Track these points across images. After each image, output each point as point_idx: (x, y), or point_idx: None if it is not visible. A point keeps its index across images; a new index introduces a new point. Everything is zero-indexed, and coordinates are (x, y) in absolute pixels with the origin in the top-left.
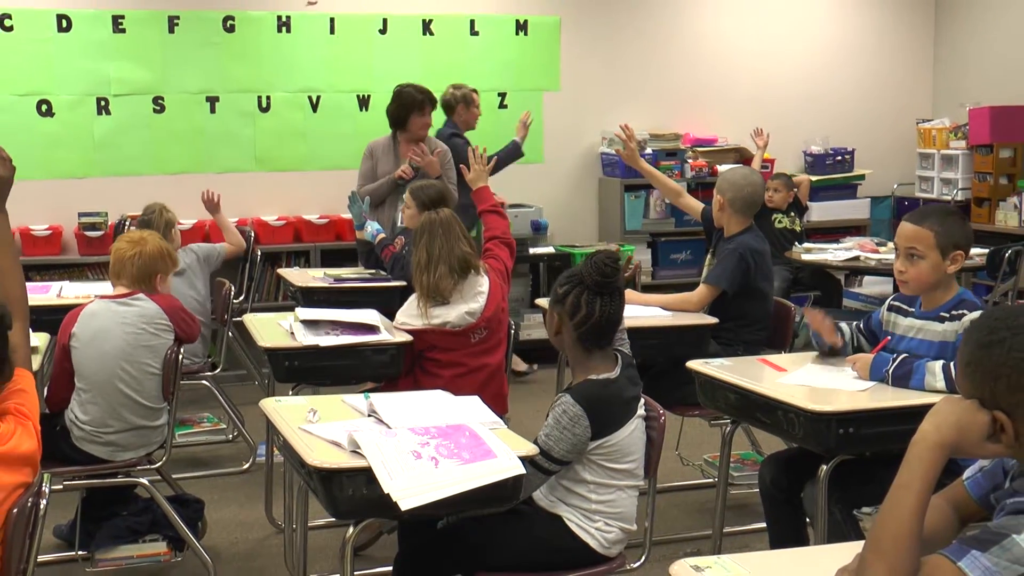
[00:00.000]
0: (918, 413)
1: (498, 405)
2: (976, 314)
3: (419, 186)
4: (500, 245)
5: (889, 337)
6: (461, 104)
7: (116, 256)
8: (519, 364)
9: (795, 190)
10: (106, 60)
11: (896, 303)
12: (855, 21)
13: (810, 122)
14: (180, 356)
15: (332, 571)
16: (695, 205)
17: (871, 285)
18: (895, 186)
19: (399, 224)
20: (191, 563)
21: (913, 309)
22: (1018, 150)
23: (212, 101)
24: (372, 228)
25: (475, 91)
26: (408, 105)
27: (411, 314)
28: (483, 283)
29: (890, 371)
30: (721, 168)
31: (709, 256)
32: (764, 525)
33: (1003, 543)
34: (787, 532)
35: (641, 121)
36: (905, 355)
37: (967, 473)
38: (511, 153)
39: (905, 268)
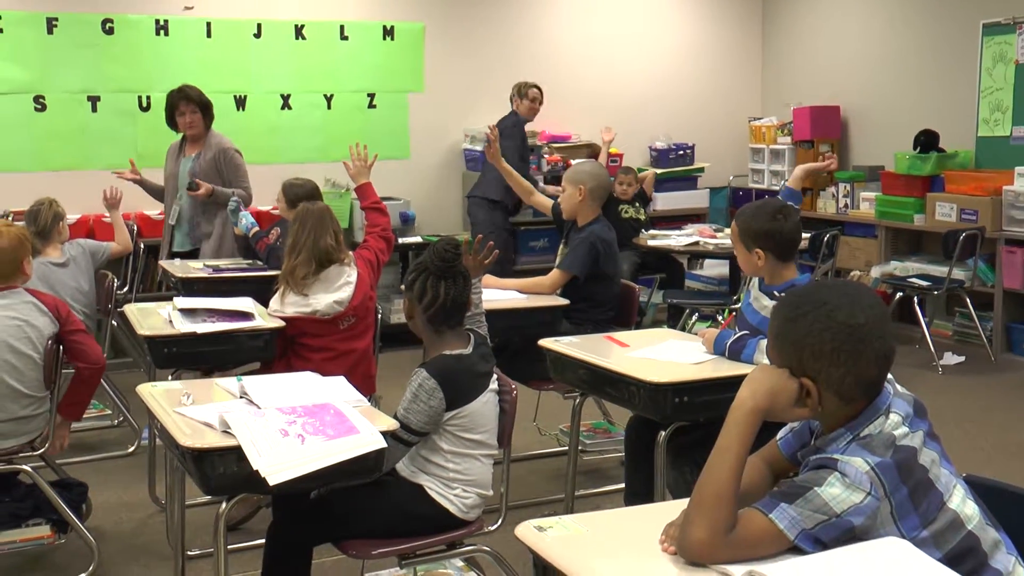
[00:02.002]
0: (741, 383)
1: (366, 386)
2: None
3: (289, 183)
4: (377, 238)
5: (734, 314)
6: (516, 96)
7: None
8: None
9: (641, 183)
10: None
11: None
12: (693, 27)
13: (654, 119)
14: (60, 347)
15: (211, 545)
16: (545, 202)
17: (711, 267)
18: (731, 178)
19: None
20: (75, 544)
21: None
22: (834, 145)
23: (93, 100)
24: (246, 221)
25: (534, 86)
26: (168, 108)
27: (277, 301)
28: (351, 273)
29: (727, 345)
30: (575, 162)
31: (562, 245)
32: (617, 487)
33: (806, 495)
34: (641, 488)
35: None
36: (744, 332)
37: (780, 434)
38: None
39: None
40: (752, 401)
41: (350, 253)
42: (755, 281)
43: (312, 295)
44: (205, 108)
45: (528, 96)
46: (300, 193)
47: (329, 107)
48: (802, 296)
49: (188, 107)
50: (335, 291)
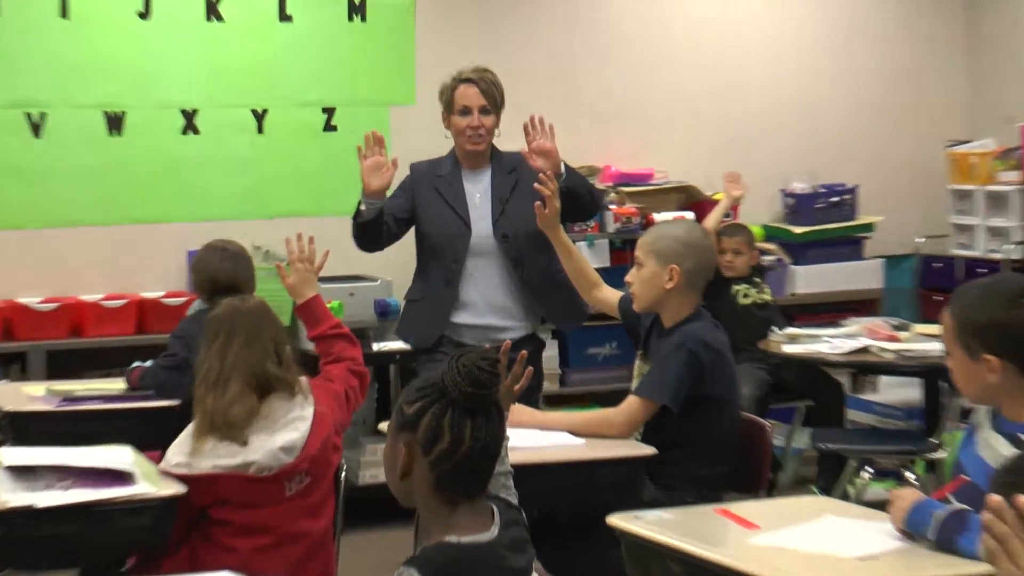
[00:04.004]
0: None
1: None
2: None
3: (206, 254)
4: (346, 372)
5: (966, 479)
6: None
7: None
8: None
9: (757, 250)
10: None
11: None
12: (850, 7)
13: (790, 148)
14: None
15: None
16: (611, 299)
17: (891, 389)
18: (920, 240)
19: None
20: None
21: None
22: None
23: None
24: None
25: None
26: None
27: (187, 451)
28: (304, 407)
29: (935, 522)
30: (659, 217)
31: (639, 355)
32: None
33: None
34: None
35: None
36: (964, 508)
37: None
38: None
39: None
40: None
41: (302, 379)
42: (982, 412)
43: (247, 437)
44: None
45: None
46: (222, 274)
47: (260, 130)
48: None
49: None
50: (281, 431)
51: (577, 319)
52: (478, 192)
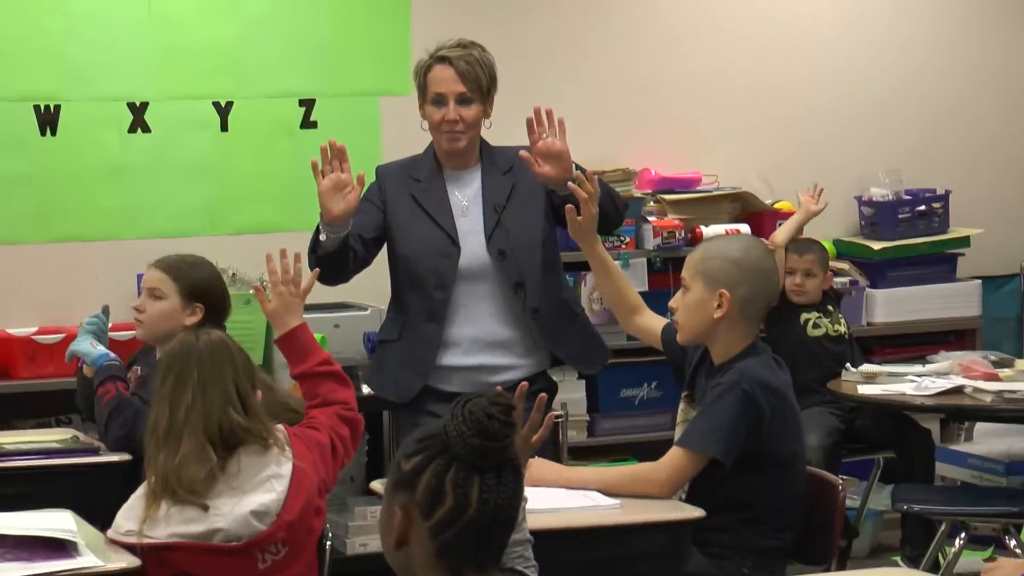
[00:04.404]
0: None
1: None
2: None
3: (183, 262)
4: (335, 419)
5: None
6: None
7: None
8: None
9: (830, 272)
10: None
11: None
12: None
13: (869, 147)
14: None
15: None
16: (654, 326)
17: (989, 439)
18: None
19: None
20: None
21: None
22: None
23: None
24: (93, 351)
25: None
26: None
27: (138, 516)
28: (281, 462)
29: None
30: (709, 231)
31: (684, 397)
32: None
33: None
34: None
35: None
36: None
37: None
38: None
39: None
40: None
41: (278, 428)
42: None
43: (210, 501)
44: None
45: None
46: (202, 280)
47: (224, 127)
48: None
49: None
50: (251, 492)
51: (598, 360)
52: (465, 199)
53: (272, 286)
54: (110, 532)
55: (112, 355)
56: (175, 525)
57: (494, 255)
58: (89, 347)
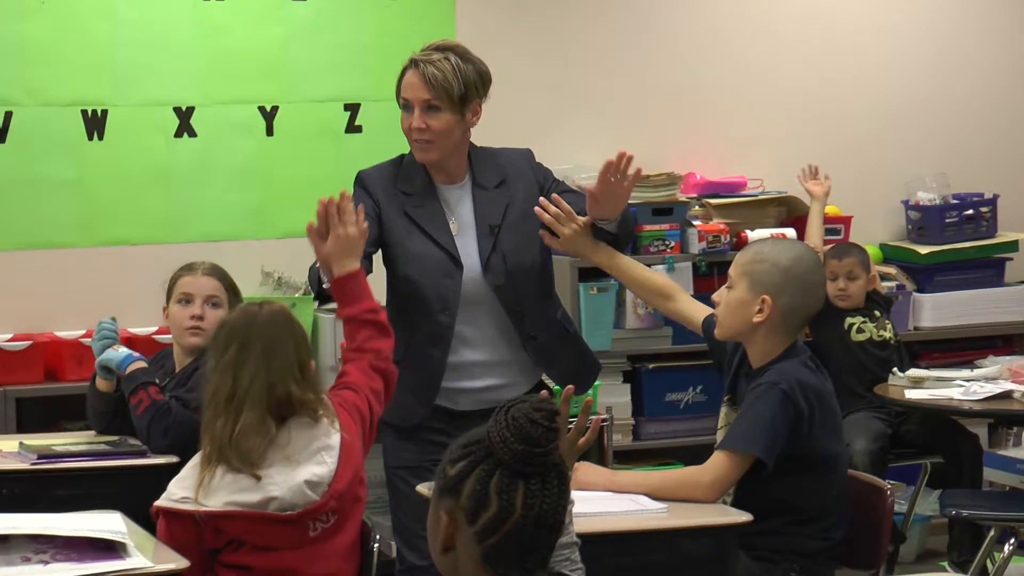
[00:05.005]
0: None
1: None
2: None
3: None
4: (367, 370)
5: None
6: None
7: None
8: None
9: (873, 276)
10: None
11: None
12: None
13: (915, 150)
14: None
15: None
16: (695, 313)
17: None
18: None
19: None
20: None
21: None
22: None
23: None
24: (117, 354)
25: None
26: None
27: (192, 484)
28: (330, 433)
29: None
30: (754, 235)
31: (726, 399)
32: None
33: None
34: None
35: (604, 150)
36: None
37: None
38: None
39: None
40: None
41: (325, 398)
42: None
43: (263, 471)
44: None
45: None
46: (234, 284)
47: (270, 132)
48: None
49: None
50: (305, 463)
51: (592, 372)
52: (454, 216)
53: (319, 219)
54: (162, 500)
55: (136, 354)
56: (230, 494)
57: (490, 283)
58: (113, 352)
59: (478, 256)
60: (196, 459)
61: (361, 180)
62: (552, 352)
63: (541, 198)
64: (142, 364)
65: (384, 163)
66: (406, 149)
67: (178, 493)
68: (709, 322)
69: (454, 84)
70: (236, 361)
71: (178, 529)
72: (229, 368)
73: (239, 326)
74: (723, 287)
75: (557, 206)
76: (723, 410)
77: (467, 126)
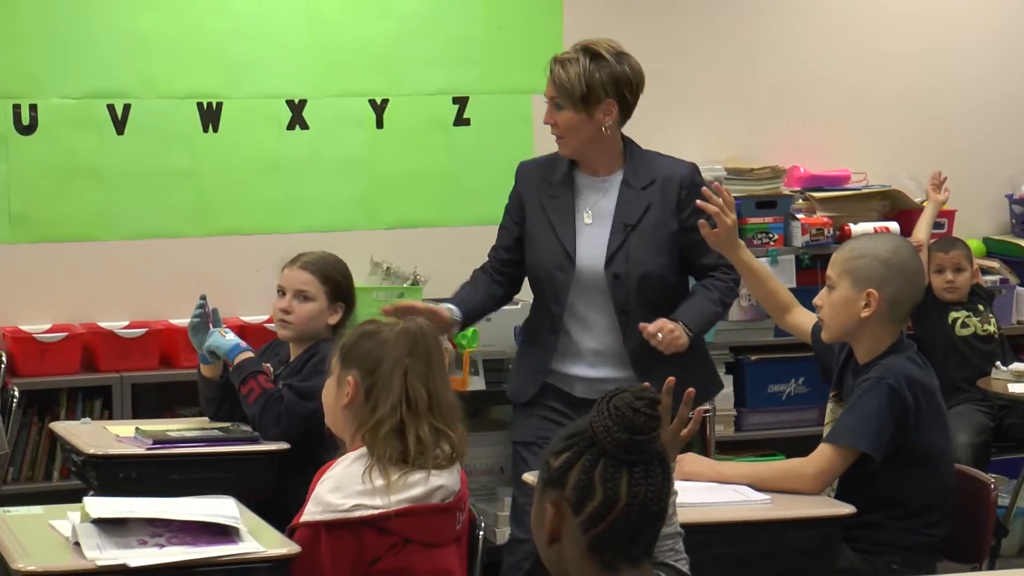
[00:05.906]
0: None
1: None
2: None
3: (325, 259)
4: None
5: None
6: None
7: None
8: None
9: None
10: None
11: None
12: None
13: (1018, 142)
14: None
15: None
16: (805, 323)
17: None
18: None
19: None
20: None
21: None
22: None
23: None
24: (226, 342)
25: None
26: None
27: (366, 488)
28: None
29: None
30: (858, 229)
31: (833, 395)
32: None
33: None
34: None
35: (709, 144)
36: None
37: None
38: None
39: None
40: None
41: None
42: None
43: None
44: None
45: None
46: (344, 280)
47: (380, 124)
48: None
49: None
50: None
51: (704, 389)
52: (590, 208)
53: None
54: (325, 514)
55: (243, 343)
56: (401, 491)
57: (609, 276)
58: (220, 338)
59: (605, 248)
60: (358, 467)
61: (516, 171)
62: (652, 366)
63: (704, 188)
64: (249, 354)
65: (545, 155)
66: (514, 141)
67: (345, 503)
68: (817, 328)
69: (576, 85)
70: (427, 373)
71: (339, 542)
72: (420, 379)
73: (419, 339)
74: (823, 291)
75: (720, 196)
76: (829, 406)
77: (598, 124)
